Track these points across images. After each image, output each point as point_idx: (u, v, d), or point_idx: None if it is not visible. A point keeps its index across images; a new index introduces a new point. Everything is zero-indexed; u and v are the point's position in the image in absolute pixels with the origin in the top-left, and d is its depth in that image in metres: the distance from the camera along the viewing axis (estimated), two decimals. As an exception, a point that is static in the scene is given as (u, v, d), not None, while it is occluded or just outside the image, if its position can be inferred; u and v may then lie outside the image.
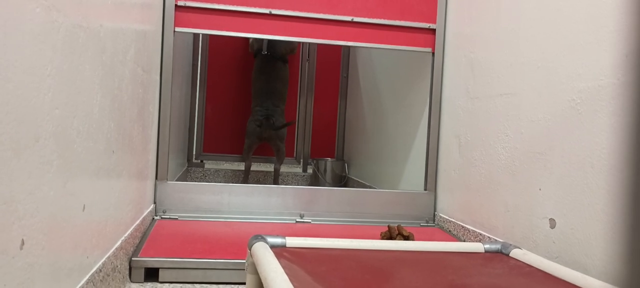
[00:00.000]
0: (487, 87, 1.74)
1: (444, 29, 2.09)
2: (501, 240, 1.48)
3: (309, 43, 3.50)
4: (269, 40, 3.09)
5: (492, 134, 1.70)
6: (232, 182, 3.29)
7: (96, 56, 1.00)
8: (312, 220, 2.01)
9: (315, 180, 3.45)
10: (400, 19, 2.06)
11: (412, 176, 2.33)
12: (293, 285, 0.88)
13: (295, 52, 3.41)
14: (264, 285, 0.92)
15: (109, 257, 1.16)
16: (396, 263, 1.12)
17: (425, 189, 2.11)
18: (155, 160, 1.90)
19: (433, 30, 2.09)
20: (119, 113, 1.22)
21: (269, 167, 3.47)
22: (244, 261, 1.41)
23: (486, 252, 1.27)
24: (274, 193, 2.01)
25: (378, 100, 2.94)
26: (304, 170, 3.58)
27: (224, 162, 3.47)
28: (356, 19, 2.03)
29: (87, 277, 1.01)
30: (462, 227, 1.86)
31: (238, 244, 1.59)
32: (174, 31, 1.91)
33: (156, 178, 1.91)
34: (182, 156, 2.99)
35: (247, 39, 3.37)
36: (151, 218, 1.84)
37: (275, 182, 3.17)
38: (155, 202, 1.91)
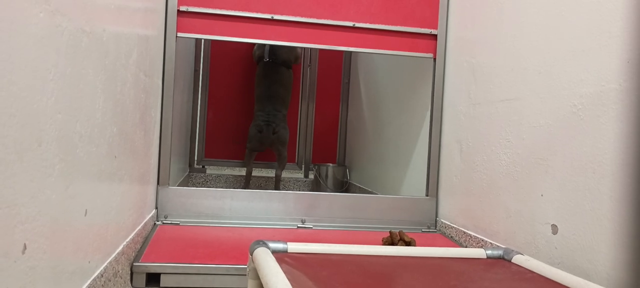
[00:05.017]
0: (489, 93, 1.74)
1: (446, 34, 2.09)
2: (503, 246, 1.48)
3: (311, 48, 3.50)
4: (271, 49, 3.09)
5: (493, 139, 1.70)
6: (234, 188, 3.29)
7: (99, 60, 1.00)
8: (314, 226, 2.01)
9: (316, 186, 3.45)
10: (401, 25, 2.06)
11: (414, 181, 2.33)
12: (295, 290, 0.88)
13: (299, 62, 3.41)
14: (266, 290, 0.92)
15: (110, 262, 1.16)
16: (398, 268, 1.12)
17: (426, 195, 2.11)
18: (157, 165, 1.90)
19: (434, 36, 2.09)
20: (121, 117, 1.22)
21: (271, 173, 3.47)
22: (246, 266, 1.41)
23: (488, 257, 1.26)
24: (276, 199, 2.00)
25: (379, 105, 2.94)
26: (306, 175, 3.57)
27: (225, 168, 3.47)
28: (358, 25, 2.04)
29: (89, 281, 1.01)
30: (464, 232, 1.85)
31: (239, 249, 1.59)
32: (176, 36, 1.92)
33: (158, 183, 1.91)
34: (183, 161, 3.00)
35: (249, 45, 3.38)
36: (153, 223, 1.84)
37: (277, 188, 3.17)
38: (157, 207, 1.91)
